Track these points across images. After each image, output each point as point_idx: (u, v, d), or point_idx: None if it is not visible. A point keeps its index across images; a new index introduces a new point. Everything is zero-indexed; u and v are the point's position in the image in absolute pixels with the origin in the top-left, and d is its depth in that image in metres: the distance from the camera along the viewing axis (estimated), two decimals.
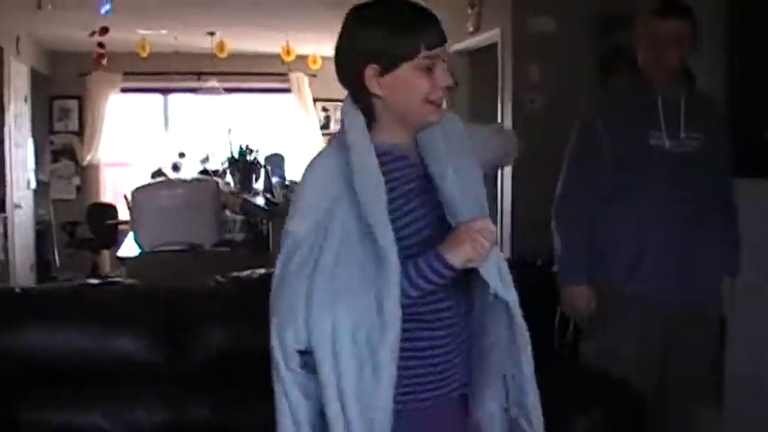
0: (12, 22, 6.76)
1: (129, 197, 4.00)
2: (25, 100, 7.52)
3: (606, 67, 4.98)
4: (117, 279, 3.00)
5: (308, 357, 1.49)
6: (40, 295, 2.57)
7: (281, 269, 1.54)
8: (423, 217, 1.58)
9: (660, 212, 2.64)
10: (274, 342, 1.51)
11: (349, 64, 1.56)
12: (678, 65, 2.66)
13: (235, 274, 2.76)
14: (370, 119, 1.58)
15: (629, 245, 2.67)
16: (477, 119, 6.30)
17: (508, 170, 5.49)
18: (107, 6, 5.78)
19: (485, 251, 1.49)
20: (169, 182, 4.10)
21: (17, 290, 2.59)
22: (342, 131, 1.58)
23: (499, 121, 5.71)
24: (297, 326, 1.48)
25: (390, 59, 1.51)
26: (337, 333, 1.46)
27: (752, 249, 2.85)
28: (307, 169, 1.59)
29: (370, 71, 1.52)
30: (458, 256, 1.49)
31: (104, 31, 6.21)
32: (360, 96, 1.56)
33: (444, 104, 1.61)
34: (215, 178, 5.02)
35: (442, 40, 1.54)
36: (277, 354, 1.51)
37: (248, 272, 2.74)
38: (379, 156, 1.54)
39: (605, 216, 2.70)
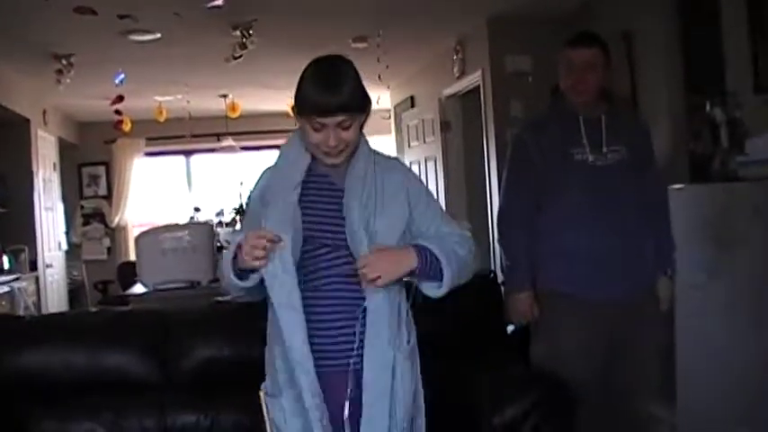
0: (37, 97, 7.19)
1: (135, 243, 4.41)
2: (54, 167, 8.01)
3: None
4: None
5: None
6: (45, 321, 2.92)
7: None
8: (320, 221, 1.95)
9: (588, 220, 2.80)
10: None
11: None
12: (594, 87, 2.83)
13: (218, 298, 3.03)
14: None
15: (561, 251, 2.83)
16: (470, 157, 6.67)
17: (495, 186, 5.79)
18: (121, 76, 6.31)
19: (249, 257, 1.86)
20: (169, 226, 4.50)
21: (27, 318, 2.95)
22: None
23: (486, 154, 6.04)
24: None
25: (296, 109, 1.94)
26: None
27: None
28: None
29: (293, 108, 1.96)
30: None
31: (120, 99, 6.63)
32: None
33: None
34: (210, 222, 5.41)
35: (337, 111, 1.85)
36: None
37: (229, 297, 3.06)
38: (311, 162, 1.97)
39: (540, 225, 2.88)
